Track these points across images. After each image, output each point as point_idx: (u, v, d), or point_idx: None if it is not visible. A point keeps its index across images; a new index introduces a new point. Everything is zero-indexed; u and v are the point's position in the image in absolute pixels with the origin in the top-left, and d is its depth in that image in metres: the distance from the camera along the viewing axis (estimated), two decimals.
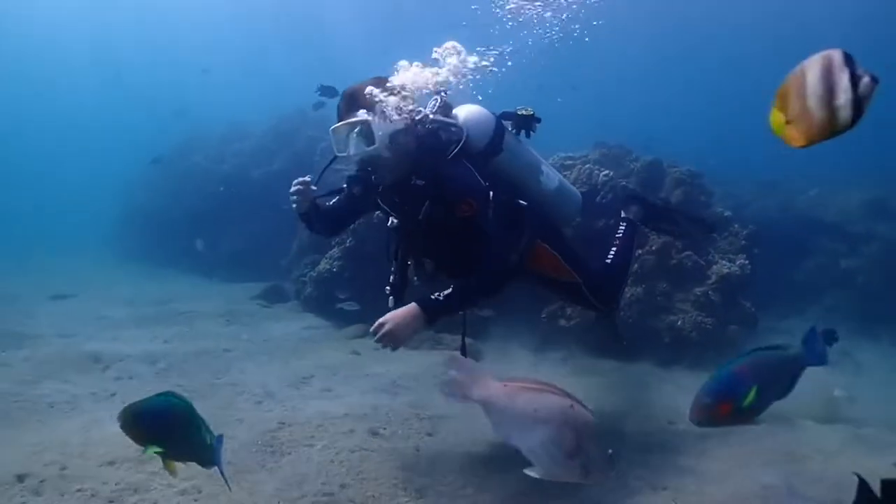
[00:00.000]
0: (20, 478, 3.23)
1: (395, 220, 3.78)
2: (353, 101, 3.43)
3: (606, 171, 7.64)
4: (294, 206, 3.91)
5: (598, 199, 7.38)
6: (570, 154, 8.44)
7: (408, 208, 3.62)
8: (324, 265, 7.83)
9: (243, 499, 3.24)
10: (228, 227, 12.27)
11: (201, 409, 4.36)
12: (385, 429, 4.29)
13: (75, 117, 36.80)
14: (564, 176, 7.65)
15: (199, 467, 2.70)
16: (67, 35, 33.25)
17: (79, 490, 3.13)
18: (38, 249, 15.07)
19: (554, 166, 7.87)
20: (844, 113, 1.89)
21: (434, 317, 3.37)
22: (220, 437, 2.70)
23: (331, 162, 3.81)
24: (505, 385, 2.92)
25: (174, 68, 30.77)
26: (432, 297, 3.38)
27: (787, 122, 2.02)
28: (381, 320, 3.31)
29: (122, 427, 2.60)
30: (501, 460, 3.64)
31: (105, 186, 20.77)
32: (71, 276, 11.45)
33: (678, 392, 5.15)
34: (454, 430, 4.27)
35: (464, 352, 3.93)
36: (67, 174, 30.89)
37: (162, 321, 7.72)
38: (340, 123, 3.45)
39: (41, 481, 3.20)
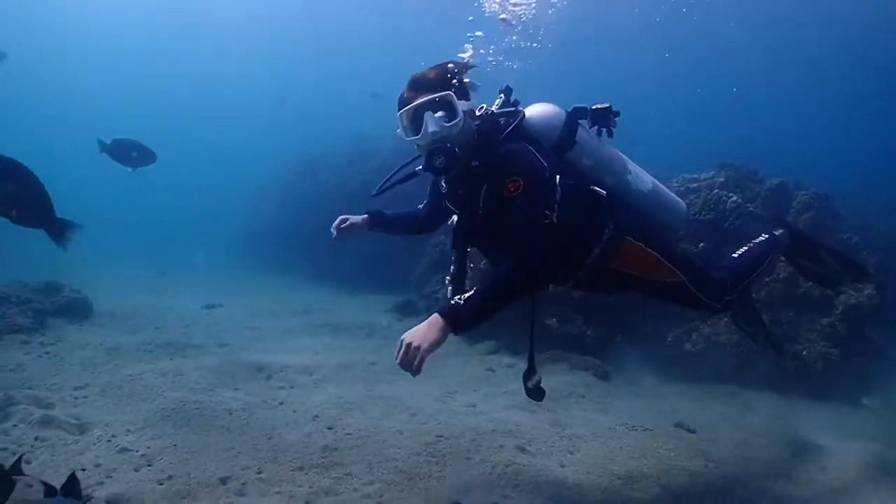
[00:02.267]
0: (223, 480, 3.62)
1: (456, 217, 3.57)
2: (423, 83, 3.34)
3: (735, 198, 7.67)
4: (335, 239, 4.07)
5: (725, 225, 7.44)
6: (695, 175, 8.48)
7: (467, 198, 3.44)
8: None
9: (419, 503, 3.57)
10: (356, 240, 12.73)
11: (362, 419, 4.76)
12: (530, 445, 4.55)
13: (205, 131, 38.44)
14: (690, 201, 7.73)
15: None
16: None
17: (278, 492, 3.50)
18: (176, 260, 16.03)
19: (678, 189, 7.90)
20: None
21: (458, 324, 2.98)
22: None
23: (402, 169, 3.71)
24: None
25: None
26: (452, 301, 3.07)
27: None
28: (401, 339, 2.97)
29: None
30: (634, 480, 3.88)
31: (233, 200, 21.79)
32: (214, 286, 12.20)
33: (801, 423, 5.26)
34: (593, 451, 4.52)
35: (532, 369, 3.63)
36: (198, 187, 32.43)
37: (307, 332, 8.21)
38: (417, 102, 3.30)
39: (242, 483, 3.58)
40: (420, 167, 3.48)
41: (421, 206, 4.06)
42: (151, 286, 12.11)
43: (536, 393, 3.59)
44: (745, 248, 4.27)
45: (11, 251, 15.25)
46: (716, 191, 7.81)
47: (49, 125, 33.29)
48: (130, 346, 6.81)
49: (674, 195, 4.00)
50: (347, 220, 4.03)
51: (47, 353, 6.53)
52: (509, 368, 6.65)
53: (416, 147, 3.43)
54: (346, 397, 5.34)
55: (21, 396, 4.93)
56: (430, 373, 6.26)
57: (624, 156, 3.72)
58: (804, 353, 6.42)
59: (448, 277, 3.57)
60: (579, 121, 3.56)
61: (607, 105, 3.60)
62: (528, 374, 3.57)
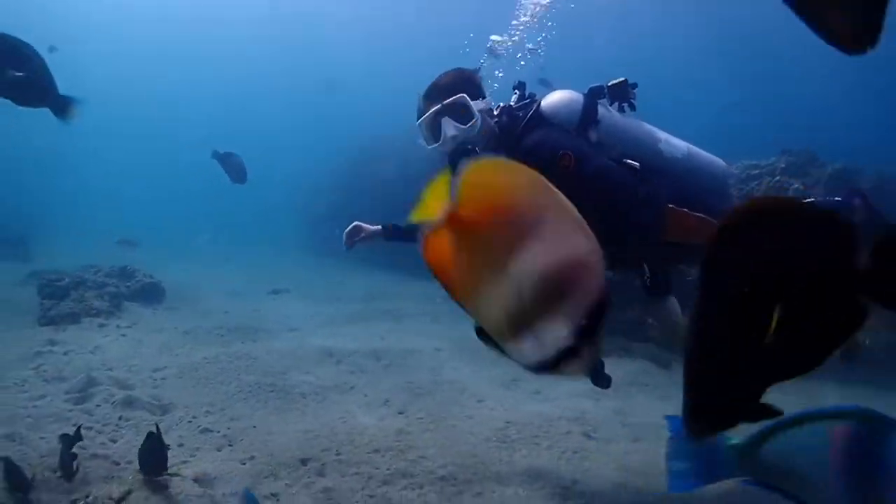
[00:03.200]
0: (303, 461, 3.74)
1: None
2: (437, 91, 3.34)
3: (797, 185, 7.57)
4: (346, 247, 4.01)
5: None
6: (755, 161, 8.36)
7: None
8: None
9: (492, 487, 3.66)
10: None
11: (431, 404, 4.86)
12: (596, 432, 4.61)
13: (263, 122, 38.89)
14: (752, 188, 7.61)
15: None
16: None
17: (356, 473, 3.61)
18: (241, 246, 16.39)
19: (739, 176, 7.79)
20: None
21: None
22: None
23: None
24: None
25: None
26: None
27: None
28: None
29: None
30: None
31: (293, 188, 22.10)
32: (279, 272, 12.47)
33: None
34: (657, 437, 4.54)
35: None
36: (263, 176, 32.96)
37: (373, 318, 8.36)
38: (432, 110, 3.30)
39: (322, 464, 3.69)
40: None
41: None
42: (219, 273, 12.44)
43: (602, 380, 3.58)
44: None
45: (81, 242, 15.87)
46: (777, 177, 7.71)
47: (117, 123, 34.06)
48: (203, 330, 7.03)
49: (712, 156, 3.81)
50: (360, 229, 3.97)
51: (124, 335, 6.77)
52: None
53: (440, 154, 3.40)
54: (415, 382, 5.45)
55: (102, 377, 5.14)
56: (492, 360, 6.39)
57: (650, 126, 3.61)
58: (866, 342, 6.32)
59: None
60: (598, 100, 3.49)
61: (623, 80, 3.53)
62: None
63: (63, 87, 3.74)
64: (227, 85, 37.23)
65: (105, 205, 26.47)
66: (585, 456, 4.15)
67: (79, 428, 3.52)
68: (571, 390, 5.56)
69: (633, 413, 5.06)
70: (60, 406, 4.59)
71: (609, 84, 3.51)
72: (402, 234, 3.95)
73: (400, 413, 4.70)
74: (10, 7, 24.78)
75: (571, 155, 3.18)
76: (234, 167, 7.94)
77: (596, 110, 3.44)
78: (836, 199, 3.92)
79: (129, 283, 8.48)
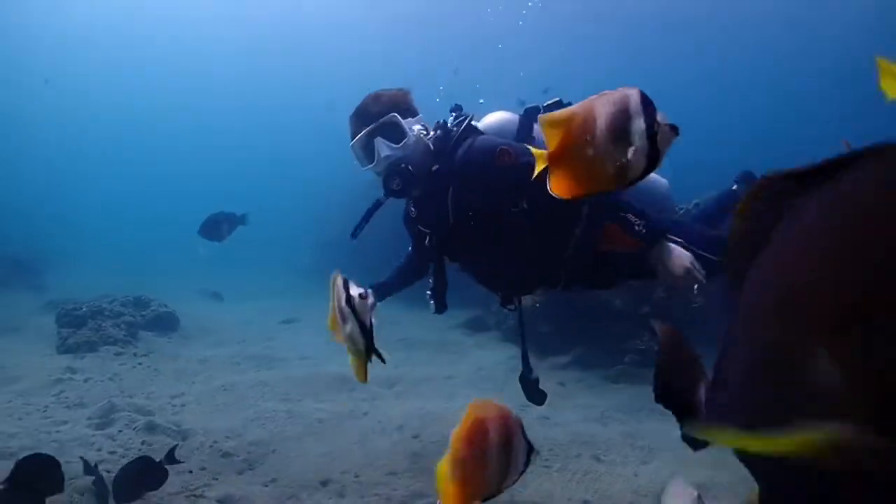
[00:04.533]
0: (323, 483, 3.87)
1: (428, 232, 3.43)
2: (367, 112, 3.33)
3: None
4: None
5: None
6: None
7: (437, 207, 3.32)
8: (527, 301, 8.31)
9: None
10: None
11: (445, 428, 4.95)
12: (605, 455, 4.72)
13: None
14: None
15: None
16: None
17: (375, 494, 3.73)
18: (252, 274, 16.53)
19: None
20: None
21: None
22: None
23: (376, 205, 3.51)
24: None
25: None
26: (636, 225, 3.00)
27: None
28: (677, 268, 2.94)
29: None
30: (706, 489, 4.01)
31: (300, 213, 22.25)
32: (289, 301, 12.60)
33: None
34: (667, 460, 4.66)
35: (527, 367, 3.74)
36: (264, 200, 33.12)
37: (383, 347, 8.46)
38: (365, 131, 3.28)
39: (342, 486, 3.82)
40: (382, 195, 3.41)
41: (410, 249, 3.88)
42: (228, 302, 12.61)
43: (537, 395, 3.68)
44: None
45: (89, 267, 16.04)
46: None
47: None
48: (219, 359, 7.17)
49: (655, 176, 3.57)
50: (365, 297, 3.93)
51: (140, 363, 6.91)
52: (579, 382, 6.80)
53: (375, 175, 3.38)
54: (427, 408, 5.57)
55: (123, 404, 5.28)
56: (503, 386, 6.51)
57: None
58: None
59: (429, 291, 3.53)
60: (534, 121, 3.42)
61: (557, 99, 3.45)
62: (525, 375, 3.66)
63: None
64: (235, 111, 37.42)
65: (116, 227, 26.59)
66: (596, 478, 4.27)
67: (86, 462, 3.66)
68: (580, 415, 5.68)
69: (642, 436, 5.16)
70: (83, 431, 4.73)
71: (545, 105, 3.47)
72: (390, 289, 3.87)
73: (414, 437, 4.82)
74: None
75: (509, 150, 3.14)
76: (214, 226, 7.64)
77: (531, 128, 3.45)
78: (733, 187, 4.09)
79: (143, 313, 8.64)
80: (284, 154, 36.50)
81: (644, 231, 3.02)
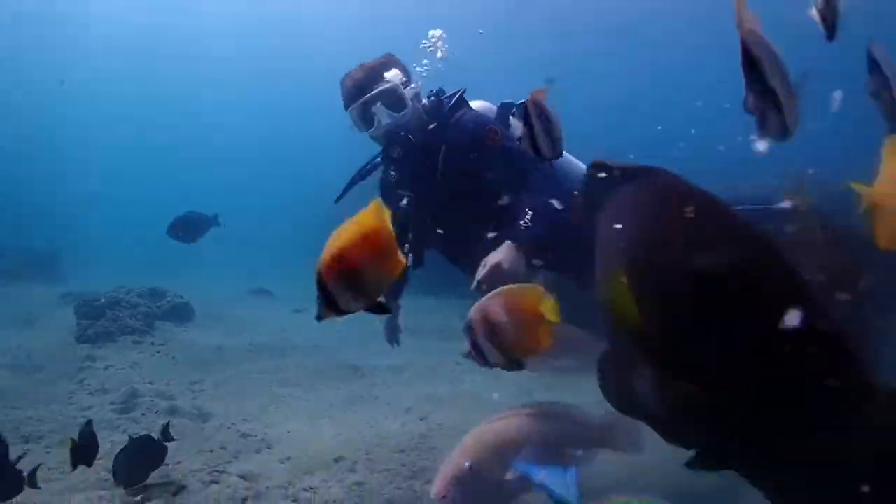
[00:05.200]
0: (336, 460, 4.11)
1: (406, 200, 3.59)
2: (367, 78, 3.50)
3: None
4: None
5: None
6: None
7: (425, 167, 3.50)
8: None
9: None
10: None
11: (451, 413, 5.18)
12: None
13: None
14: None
15: None
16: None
17: (385, 469, 3.96)
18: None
19: None
20: None
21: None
22: None
23: (368, 167, 3.77)
24: None
25: None
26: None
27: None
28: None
29: None
30: None
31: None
32: (298, 290, 12.81)
33: None
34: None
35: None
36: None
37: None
38: (366, 97, 3.45)
39: (354, 462, 4.05)
40: (378, 160, 3.71)
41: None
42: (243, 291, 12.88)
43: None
44: None
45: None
46: None
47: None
48: (233, 347, 7.41)
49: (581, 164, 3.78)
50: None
51: (158, 352, 7.15)
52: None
53: (371, 139, 3.63)
54: (436, 394, 5.80)
55: (144, 390, 5.53)
56: (509, 374, 6.72)
57: None
58: None
59: (406, 245, 3.59)
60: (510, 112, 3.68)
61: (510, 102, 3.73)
62: None
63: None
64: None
65: (132, 220, 26.76)
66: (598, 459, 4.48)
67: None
68: (585, 402, 5.89)
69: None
70: (108, 415, 4.98)
71: (519, 102, 3.63)
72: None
73: (421, 419, 5.05)
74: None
75: (498, 130, 3.42)
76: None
77: (508, 117, 3.68)
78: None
79: (159, 304, 8.85)
80: (305, 149, 36.44)
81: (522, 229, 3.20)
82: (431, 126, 3.53)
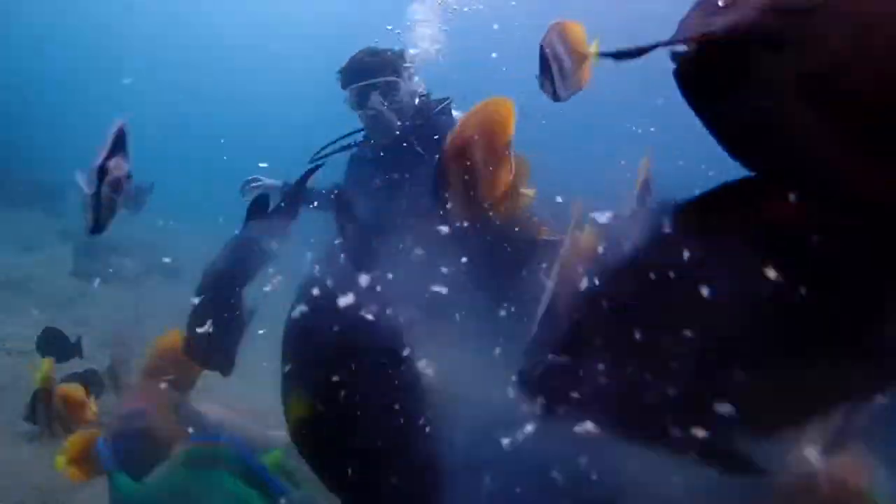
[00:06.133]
0: None
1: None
2: (372, 66, 3.72)
3: None
4: None
5: None
6: None
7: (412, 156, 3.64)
8: None
9: None
10: None
11: None
12: None
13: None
14: None
15: None
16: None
17: None
18: None
19: None
20: None
21: None
22: None
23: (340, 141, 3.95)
24: None
25: None
26: None
27: None
28: None
29: None
30: None
31: None
32: None
33: None
34: None
35: None
36: None
37: None
38: (367, 82, 3.68)
39: None
40: (359, 141, 3.90)
41: None
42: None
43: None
44: None
45: None
46: None
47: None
48: None
49: None
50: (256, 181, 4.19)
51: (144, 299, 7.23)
52: None
53: (358, 117, 3.82)
54: None
55: (126, 330, 5.62)
56: None
57: None
58: None
59: None
60: None
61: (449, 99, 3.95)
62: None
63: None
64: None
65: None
66: None
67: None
68: None
69: None
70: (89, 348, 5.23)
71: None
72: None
73: None
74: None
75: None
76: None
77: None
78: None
79: (153, 253, 9.03)
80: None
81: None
82: (419, 122, 3.74)
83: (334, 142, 4.01)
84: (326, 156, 3.93)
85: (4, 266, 7.26)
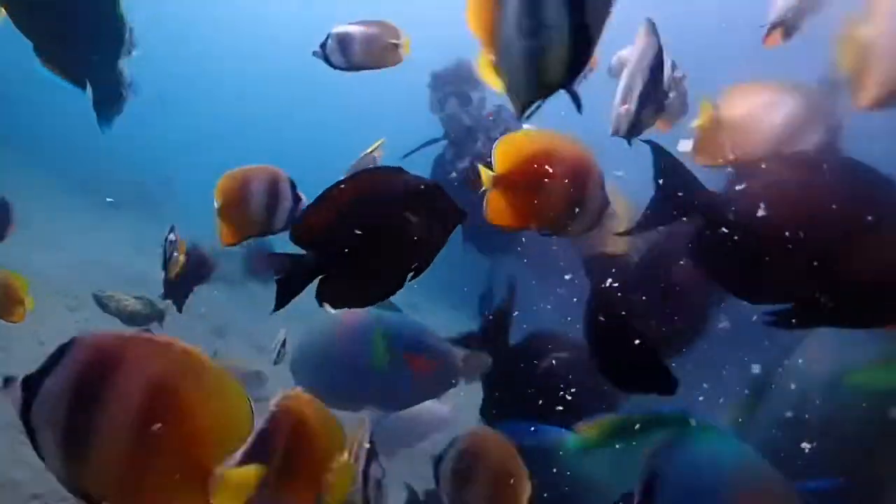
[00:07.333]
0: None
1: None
2: (458, 76, 3.82)
3: None
4: None
5: None
6: None
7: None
8: None
9: None
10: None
11: None
12: None
13: None
14: None
15: None
16: None
17: None
18: None
19: None
20: None
21: None
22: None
23: (430, 142, 4.10)
24: None
25: None
26: None
27: None
28: None
29: None
30: None
31: None
32: None
33: None
34: None
35: None
36: None
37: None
38: (449, 89, 3.83)
39: None
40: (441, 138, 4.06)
41: None
42: None
43: None
44: None
45: None
46: None
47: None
48: None
49: None
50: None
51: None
52: None
53: (438, 119, 3.99)
54: None
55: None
56: None
57: None
58: None
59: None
60: None
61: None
62: None
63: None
64: None
65: None
66: None
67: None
68: None
69: None
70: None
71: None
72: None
73: None
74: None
75: None
76: None
77: None
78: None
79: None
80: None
81: None
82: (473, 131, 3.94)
83: (423, 144, 4.19)
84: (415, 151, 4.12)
85: (122, 265, 6.41)
